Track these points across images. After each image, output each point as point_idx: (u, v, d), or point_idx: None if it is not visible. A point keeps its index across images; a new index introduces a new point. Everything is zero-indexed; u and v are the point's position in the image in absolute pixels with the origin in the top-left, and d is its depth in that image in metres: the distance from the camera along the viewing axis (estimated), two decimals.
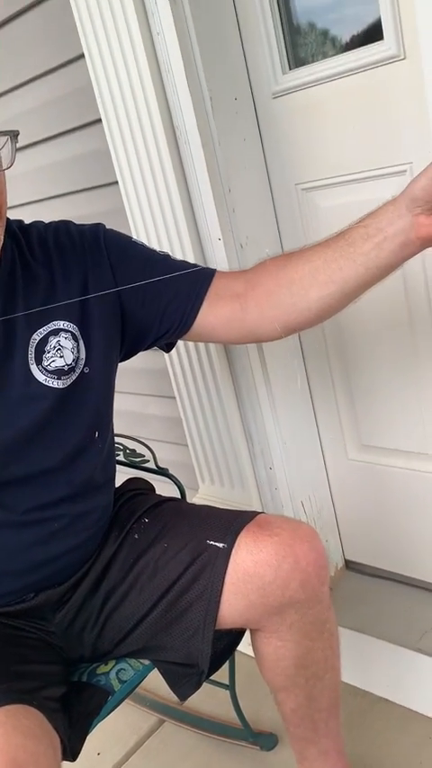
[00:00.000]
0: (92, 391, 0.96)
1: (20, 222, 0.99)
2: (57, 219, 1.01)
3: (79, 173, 1.44)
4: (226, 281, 1.00)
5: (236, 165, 1.22)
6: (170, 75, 1.15)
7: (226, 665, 1.06)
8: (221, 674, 1.13)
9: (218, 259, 1.23)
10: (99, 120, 1.27)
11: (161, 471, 1.18)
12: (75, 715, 0.88)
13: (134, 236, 1.22)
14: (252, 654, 1.00)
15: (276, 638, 0.94)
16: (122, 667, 0.99)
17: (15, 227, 0.97)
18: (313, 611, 0.92)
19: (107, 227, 1.01)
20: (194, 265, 1.04)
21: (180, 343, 1.34)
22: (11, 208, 0.88)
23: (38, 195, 1.54)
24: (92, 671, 0.98)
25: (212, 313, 0.98)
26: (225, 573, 0.90)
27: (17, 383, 0.90)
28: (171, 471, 1.20)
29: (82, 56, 1.24)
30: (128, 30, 1.14)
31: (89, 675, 0.98)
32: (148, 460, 1.19)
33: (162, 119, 1.18)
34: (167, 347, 1.12)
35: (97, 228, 1.00)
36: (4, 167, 0.83)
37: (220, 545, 0.92)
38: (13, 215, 0.99)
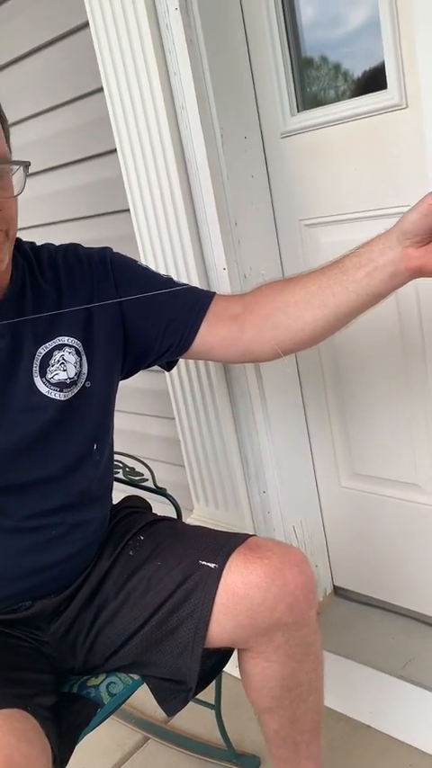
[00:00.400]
0: (92, 405, 1.00)
1: (32, 244, 1.04)
2: (68, 242, 1.06)
3: (93, 199, 1.50)
4: (225, 303, 1.05)
5: (243, 200, 1.27)
6: (184, 112, 1.21)
7: (212, 686, 1.09)
8: (207, 694, 1.15)
9: (222, 288, 1.28)
10: (114, 151, 1.33)
11: (159, 491, 1.21)
12: (64, 725, 0.90)
13: (142, 262, 1.27)
14: (238, 676, 1.01)
15: (263, 659, 0.96)
16: (112, 681, 1.01)
17: (28, 248, 1.02)
18: (300, 633, 0.95)
19: (115, 251, 1.06)
20: (196, 288, 1.10)
21: (181, 365, 1.38)
22: (27, 228, 0.94)
23: (52, 218, 1.59)
24: (82, 683, 1.01)
25: (211, 333, 1.03)
26: (215, 593, 0.92)
27: (21, 393, 0.94)
28: (167, 491, 1.23)
29: (101, 89, 1.30)
30: (146, 67, 1.20)
31: (80, 687, 1.00)
32: (147, 479, 1.22)
33: (175, 153, 1.23)
34: (168, 366, 1.16)
35: (104, 251, 1.05)
36: (15, 194, 0.88)
37: (212, 565, 0.94)
38: (27, 236, 1.05)
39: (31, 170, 1.39)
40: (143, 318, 1.03)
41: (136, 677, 1.02)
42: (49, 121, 1.50)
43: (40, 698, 0.86)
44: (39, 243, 1.05)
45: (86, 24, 1.26)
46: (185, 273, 1.31)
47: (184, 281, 1.30)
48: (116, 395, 1.07)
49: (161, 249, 1.33)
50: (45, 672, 0.95)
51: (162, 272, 1.31)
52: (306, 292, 0.95)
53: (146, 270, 1.08)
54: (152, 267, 1.31)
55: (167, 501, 1.22)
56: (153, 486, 1.22)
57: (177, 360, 1.15)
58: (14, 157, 0.90)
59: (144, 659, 0.98)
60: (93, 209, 1.51)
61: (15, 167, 0.87)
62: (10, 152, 0.90)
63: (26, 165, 0.88)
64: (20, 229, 0.97)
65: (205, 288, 1.30)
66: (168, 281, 1.07)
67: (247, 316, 1.02)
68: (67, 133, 1.49)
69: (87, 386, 0.99)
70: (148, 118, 1.23)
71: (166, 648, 0.96)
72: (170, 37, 1.15)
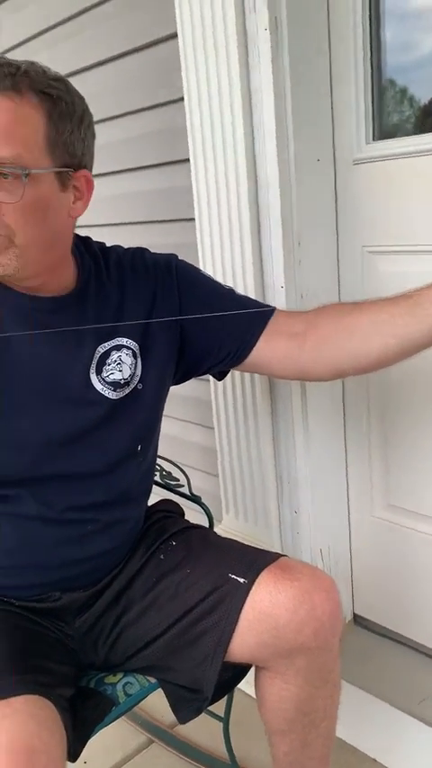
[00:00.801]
0: (141, 406, 1.02)
1: (102, 244, 1.06)
2: (135, 246, 1.08)
3: (160, 205, 1.52)
4: (286, 319, 1.06)
5: (308, 221, 1.28)
6: (261, 129, 1.22)
7: (223, 699, 1.09)
8: (217, 707, 1.16)
9: (277, 306, 1.29)
10: (186, 160, 1.35)
11: (194, 498, 1.22)
12: (80, 718, 0.92)
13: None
14: (251, 693, 1.02)
15: (281, 680, 0.96)
16: (129, 681, 1.02)
17: (97, 249, 1.04)
18: (321, 659, 0.94)
19: (179, 258, 1.08)
20: (257, 302, 1.11)
21: (228, 377, 1.39)
22: (93, 226, 0.95)
23: (120, 219, 1.62)
24: (100, 679, 1.02)
25: (269, 348, 1.04)
26: (242, 608, 0.93)
27: (77, 387, 0.96)
28: (202, 500, 1.24)
29: (181, 99, 1.32)
30: (229, 82, 1.22)
31: (97, 683, 1.01)
32: (183, 485, 1.23)
33: (247, 168, 1.24)
34: (220, 375, 1.18)
35: (170, 258, 1.07)
36: (15, 200, 0.83)
37: (241, 580, 0.95)
38: (95, 234, 1.07)
39: (102, 171, 1.42)
40: (201, 327, 1.04)
41: (153, 680, 1.03)
42: (126, 125, 1.53)
43: (60, 688, 0.87)
44: (108, 244, 1.08)
45: (175, 35, 1.29)
46: (243, 288, 1.32)
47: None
48: (165, 399, 1.09)
49: (221, 261, 1.35)
50: (67, 663, 0.96)
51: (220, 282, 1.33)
52: (375, 319, 0.95)
53: (209, 279, 1.10)
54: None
55: (200, 509, 1.23)
56: (188, 494, 1.23)
57: (229, 370, 1.17)
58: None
59: (163, 664, 0.99)
60: (159, 215, 1.54)
61: (23, 174, 0.82)
62: (49, 155, 0.86)
63: (26, 173, 0.83)
64: (84, 226, 1.00)
65: None
66: (230, 292, 1.09)
67: (309, 334, 1.02)
68: (143, 138, 1.52)
69: (139, 388, 1.01)
70: (224, 131, 1.25)
71: (187, 656, 0.97)
72: (256, 56, 1.17)
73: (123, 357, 0.99)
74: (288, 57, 1.17)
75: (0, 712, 0.74)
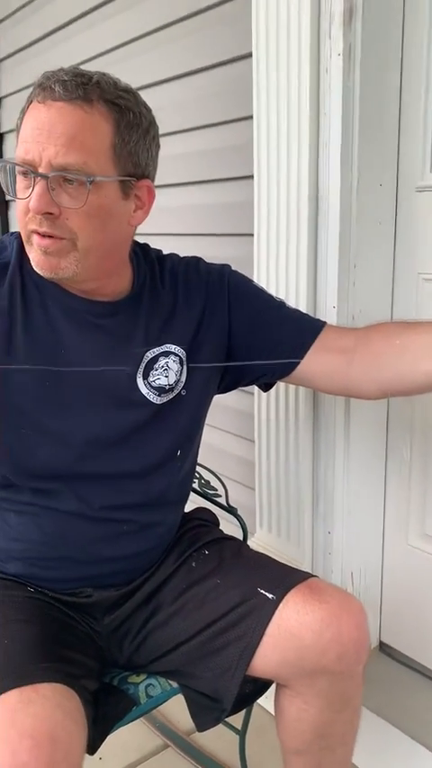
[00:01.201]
0: (184, 412, 1.04)
1: (159, 252, 1.09)
2: (191, 255, 1.11)
3: (221, 219, 1.55)
4: (336, 334, 1.07)
5: (366, 244, 1.29)
6: (326, 150, 1.23)
7: (242, 711, 1.09)
8: (235, 719, 1.16)
9: None
10: (250, 177, 1.37)
11: (230, 510, 1.23)
12: (101, 713, 0.93)
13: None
14: (270, 709, 1.01)
15: (301, 700, 0.96)
16: (152, 683, 1.04)
17: (154, 256, 1.07)
18: (344, 684, 0.94)
19: (233, 269, 1.10)
20: (308, 315, 1.11)
21: (273, 392, 1.40)
22: (156, 235, 0.98)
23: (180, 230, 1.66)
24: (123, 678, 1.04)
25: (317, 362, 1.05)
26: (268, 623, 0.93)
27: (123, 389, 0.99)
28: (238, 512, 1.25)
29: (249, 117, 1.35)
30: (298, 103, 1.24)
31: (120, 681, 1.03)
32: (220, 495, 1.25)
33: (309, 187, 1.26)
34: (266, 386, 1.19)
35: (223, 268, 1.09)
36: (80, 205, 0.86)
37: (270, 596, 0.95)
38: (155, 242, 1.10)
39: (166, 182, 1.46)
40: (250, 338, 1.06)
41: (174, 685, 1.05)
42: (194, 139, 1.57)
43: (86, 680, 0.89)
44: (165, 252, 1.11)
45: (249, 55, 1.31)
46: (295, 304, 1.32)
47: None
48: (208, 407, 1.11)
49: (276, 277, 1.36)
50: (93, 658, 0.98)
51: None
52: (427, 341, 0.95)
53: (260, 290, 1.11)
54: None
55: (235, 521, 1.24)
56: (225, 504, 1.24)
57: (275, 382, 1.17)
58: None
59: (186, 670, 1.01)
60: (219, 228, 1.56)
61: (88, 181, 0.85)
62: (119, 169, 0.89)
63: (90, 180, 0.86)
64: (145, 234, 1.02)
65: None
66: (281, 305, 1.10)
67: (358, 350, 1.02)
68: (208, 153, 1.55)
69: (183, 394, 1.03)
70: (290, 150, 1.27)
71: (209, 665, 0.97)
72: (328, 80, 1.19)
73: (170, 363, 1.01)
74: (359, 83, 1.18)
75: (27, 697, 0.76)
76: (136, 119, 0.90)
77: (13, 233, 1.01)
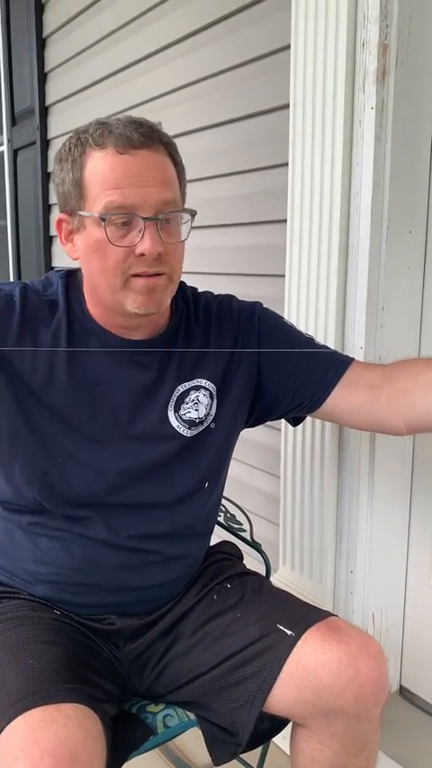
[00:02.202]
0: (212, 445, 1.07)
1: (194, 289, 1.14)
2: (224, 293, 1.15)
3: (254, 259, 1.61)
4: (363, 370, 1.09)
5: (395, 288, 1.32)
6: (358, 198, 1.28)
7: (258, 750, 1.09)
8: (251, 757, 1.16)
9: None
10: (283, 221, 1.42)
11: (254, 545, 1.25)
12: (118, 740, 0.95)
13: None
14: (286, 749, 1.01)
15: (317, 740, 0.95)
16: (170, 713, 1.05)
17: (189, 293, 1.12)
18: (360, 727, 0.93)
19: (264, 306, 1.14)
20: (336, 352, 1.14)
21: (299, 429, 1.43)
22: (193, 273, 1.02)
23: (217, 269, 1.72)
24: (142, 706, 1.05)
25: (344, 398, 1.07)
26: (286, 660, 0.93)
27: (154, 422, 1.03)
28: (262, 548, 1.27)
29: (284, 164, 1.40)
30: (332, 153, 1.28)
31: (139, 709, 1.05)
32: (245, 530, 1.26)
33: (340, 233, 1.30)
34: (295, 421, 1.21)
35: (254, 306, 1.13)
36: (181, 239, 0.97)
37: (289, 632, 0.95)
38: (193, 281, 1.15)
39: (205, 223, 1.52)
40: (278, 373, 1.09)
41: (192, 717, 1.05)
42: (231, 184, 1.64)
43: (106, 705, 0.91)
44: (200, 289, 1.15)
45: (286, 106, 1.38)
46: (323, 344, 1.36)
47: None
48: (236, 441, 1.13)
49: (305, 317, 1.40)
50: (114, 684, 1.00)
51: None
52: None
53: (290, 327, 1.14)
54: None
55: (259, 556, 1.25)
56: (249, 539, 1.26)
57: (305, 417, 1.19)
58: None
59: (204, 702, 1.01)
60: (250, 269, 1.62)
61: (185, 216, 0.96)
62: (183, 202, 0.99)
63: (193, 213, 0.97)
64: (182, 273, 1.07)
65: None
66: (309, 342, 1.13)
67: (385, 387, 1.04)
68: (245, 198, 1.61)
69: (212, 427, 1.06)
70: (323, 197, 1.32)
71: (227, 698, 0.98)
72: (360, 131, 1.24)
73: (201, 397, 1.05)
74: (390, 135, 1.23)
75: (50, 715, 0.78)
76: (180, 157, 0.99)
77: (59, 271, 1.07)
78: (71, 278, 1.05)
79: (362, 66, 1.22)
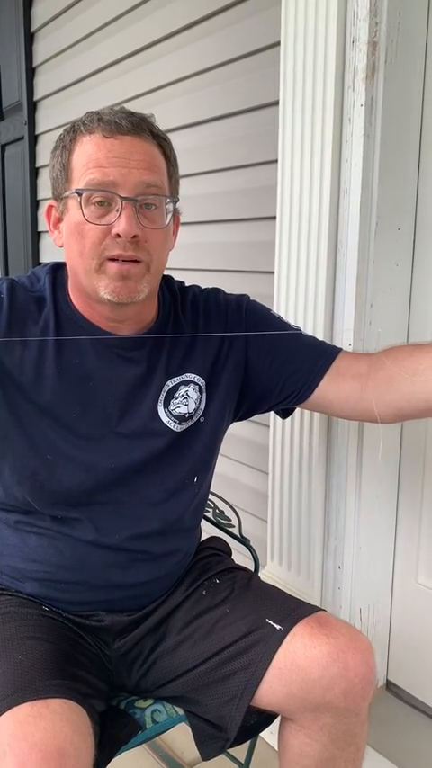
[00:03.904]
0: (201, 439, 1.07)
1: (181, 283, 1.14)
2: (211, 287, 1.15)
3: (244, 256, 1.61)
4: (350, 360, 1.09)
5: (383, 285, 1.32)
6: (347, 196, 1.28)
7: (246, 744, 1.09)
8: (239, 752, 1.16)
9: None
10: (272, 218, 1.42)
11: (243, 541, 1.25)
12: (106, 736, 0.95)
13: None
14: (274, 745, 1.01)
15: (305, 734, 0.96)
16: (158, 709, 1.05)
17: (176, 287, 1.12)
18: (348, 720, 0.94)
19: (252, 299, 1.14)
20: (324, 342, 1.14)
21: (286, 425, 1.43)
22: (182, 269, 1.02)
23: (206, 265, 1.72)
24: (130, 702, 1.05)
25: (332, 388, 1.07)
26: (274, 654, 0.94)
27: (143, 418, 1.02)
28: (250, 543, 1.27)
29: (273, 161, 1.41)
30: (321, 150, 1.29)
31: (127, 705, 1.05)
32: (234, 526, 1.27)
33: (329, 229, 1.30)
34: (284, 413, 1.21)
35: (241, 298, 1.13)
36: (160, 226, 0.95)
37: (278, 627, 0.96)
38: (183, 277, 1.15)
39: (194, 219, 1.52)
40: (266, 365, 1.09)
41: (180, 712, 1.06)
42: (221, 180, 1.63)
43: (94, 700, 0.91)
44: (187, 284, 1.15)
45: (276, 103, 1.38)
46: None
47: None
48: (224, 434, 1.13)
49: (294, 313, 1.40)
50: (102, 680, 1.00)
51: None
52: None
53: (277, 319, 1.14)
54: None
55: (247, 552, 1.25)
56: (238, 535, 1.26)
57: (294, 409, 1.19)
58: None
59: (192, 696, 1.02)
60: (240, 266, 1.62)
61: (168, 202, 0.96)
62: (170, 190, 0.98)
63: (175, 200, 0.97)
64: (173, 269, 1.07)
65: None
66: (297, 333, 1.13)
67: (371, 375, 1.04)
68: (235, 194, 1.61)
69: (201, 421, 1.06)
70: (312, 194, 1.32)
71: (215, 693, 0.98)
72: (350, 129, 1.24)
73: (190, 392, 1.05)
74: (380, 132, 1.23)
75: (37, 711, 0.78)
76: (173, 154, 0.99)
77: (45, 266, 1.06)
78: (58, 272, 1.04)
79: (351, 64, 1.22)
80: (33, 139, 2.63)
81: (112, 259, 0.92)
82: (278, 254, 1.42)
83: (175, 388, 1.04)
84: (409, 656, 1.47)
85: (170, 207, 0.97)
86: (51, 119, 2.48)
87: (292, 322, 1.39)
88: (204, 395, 1.06)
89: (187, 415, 1.04)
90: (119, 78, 2.01)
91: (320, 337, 1.34)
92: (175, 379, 1.04)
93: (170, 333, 1.06)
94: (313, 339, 1.14)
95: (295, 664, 0.92)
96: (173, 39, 1.75)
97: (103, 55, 2.07)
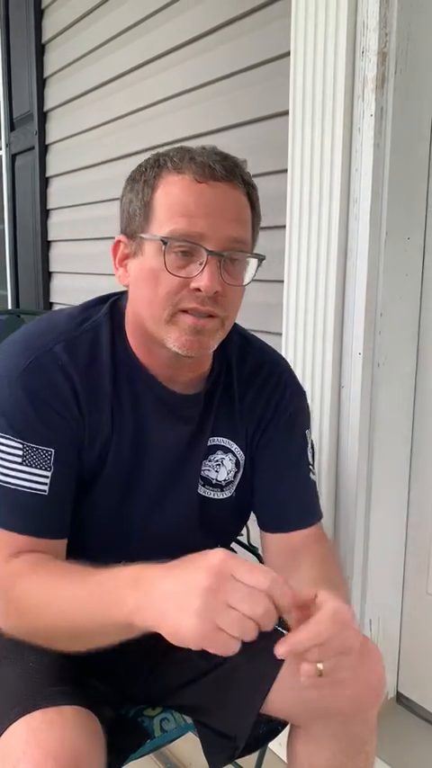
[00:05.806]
0: (231, 514, 1.04)
1: (242, 335, 1.04)
2: (279, 354, 1.09)
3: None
4: (308, 540, 1.01)
5: (393, 294, 1.33)
6: (357, 205, 1.29)
7: (254, 755, 1.08)
8: (248, 763, 1.15)
9: (354, 372, 1.33)
10: (282, 227, 1.43)
11: (251, 549, 1.25)
12: (115, 744, 0.94)
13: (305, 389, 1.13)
14: (283, 756, 1.00)
15: (315, 743, 0.95)
16: (166, 717, 1.04)
17: (236, 340, 1.02)
18: (357, 728, 0.94)
19: (306, 401, 1.07)
20: (316, 502, 1.06)
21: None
22: None
23: None
24: (139, 710, 1.05)
25: (274, 547, 1.03)
26: (284, 660, 0.93)
27: (190, 479, 0.99)
28: (258, 551, 1.27)
29: (284, 170, 1.41)
30: (331, 160, 1.30)
31: (135, 713, 1.04)
32: (242, 534, 1.26)
33: (339, 238, 1.31)
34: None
35: (295, 396, 1.05)
36: (243, 283, 0.90)
37: (286, 633, 0.96)
38: None
39: None
40: (260, 466, 1.03)
41: (189, 721, 1.05)
42: None
43: (104, 708, 0.90)
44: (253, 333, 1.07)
45: (286, 113, 1.39)
46: (321, 351, 1.37)
47: (318, 358, 1.37)
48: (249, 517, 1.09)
49: (304, 323, 1.40)
50: (112, 687, 1.00)
51: (300, 344, 1.39)
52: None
53: (302, 441, 1.05)
54: (291, 339, 1.39)
55: (256, 560, 1.25)
56: (247, 544, 1.26)
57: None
58: None
59: (201, 704, 1.01)
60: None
61: (252, 262, 0.89)
62: (253, 245, 0.91)
63: (261, 259, 0.89)
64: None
65: (337, 370, 1.35)
66: (306, 469, 1.05)
67: (291, 565, 0.98)
68: None
69: (233, 497, 1.03)
70: (321, 203, 1.33)
71: (224, 701, 0.98)
72: (360, 138, 1.25)
73: (226, 461, 1.01)
74: (389, 142, 1.24)
75: (50, 718, 0.77)
76: (258, 201, 0.92)
77: (98, 305, 0.98)
78: (115, 311, 0.96)
79: (361, 74, 1.23)
80: (44, 149, 2.65)
81: (185, 310, 0.86)
82: (288, 263, 1.42)
83: (212, 450, 0.99)
84: (419, 667, 1.46)
85: (253, 264, 0.89)
86: (62, 129, 2.50)
87: (301, 330, 1.41)
88: (241, 470, 1.02)
89: (214, 482, 1.00)
90: (128, 89, 2.03)
91: (330, 346, 1.35)
92: (216, 439, 0.99)
93: (219, 395, 0.99)
94: (310, 491, 1.05)
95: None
96: (182, 50, 1.76)
97: (112, 66, 2.09)
